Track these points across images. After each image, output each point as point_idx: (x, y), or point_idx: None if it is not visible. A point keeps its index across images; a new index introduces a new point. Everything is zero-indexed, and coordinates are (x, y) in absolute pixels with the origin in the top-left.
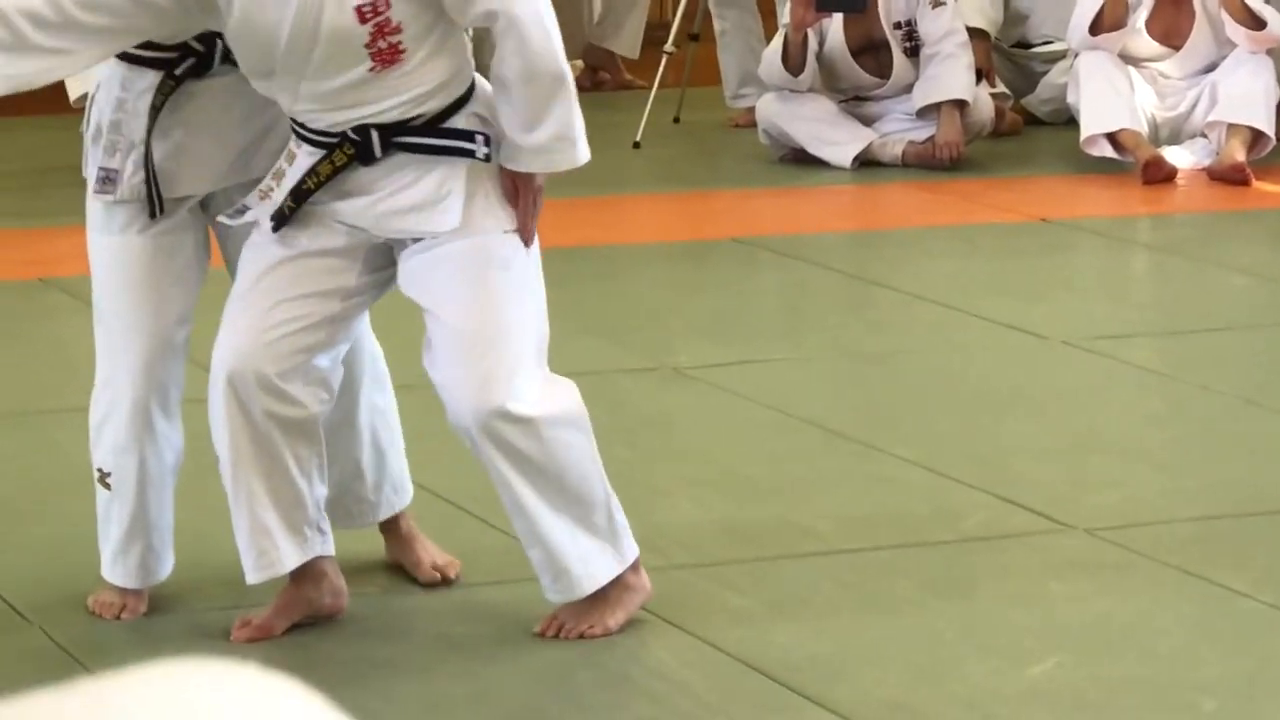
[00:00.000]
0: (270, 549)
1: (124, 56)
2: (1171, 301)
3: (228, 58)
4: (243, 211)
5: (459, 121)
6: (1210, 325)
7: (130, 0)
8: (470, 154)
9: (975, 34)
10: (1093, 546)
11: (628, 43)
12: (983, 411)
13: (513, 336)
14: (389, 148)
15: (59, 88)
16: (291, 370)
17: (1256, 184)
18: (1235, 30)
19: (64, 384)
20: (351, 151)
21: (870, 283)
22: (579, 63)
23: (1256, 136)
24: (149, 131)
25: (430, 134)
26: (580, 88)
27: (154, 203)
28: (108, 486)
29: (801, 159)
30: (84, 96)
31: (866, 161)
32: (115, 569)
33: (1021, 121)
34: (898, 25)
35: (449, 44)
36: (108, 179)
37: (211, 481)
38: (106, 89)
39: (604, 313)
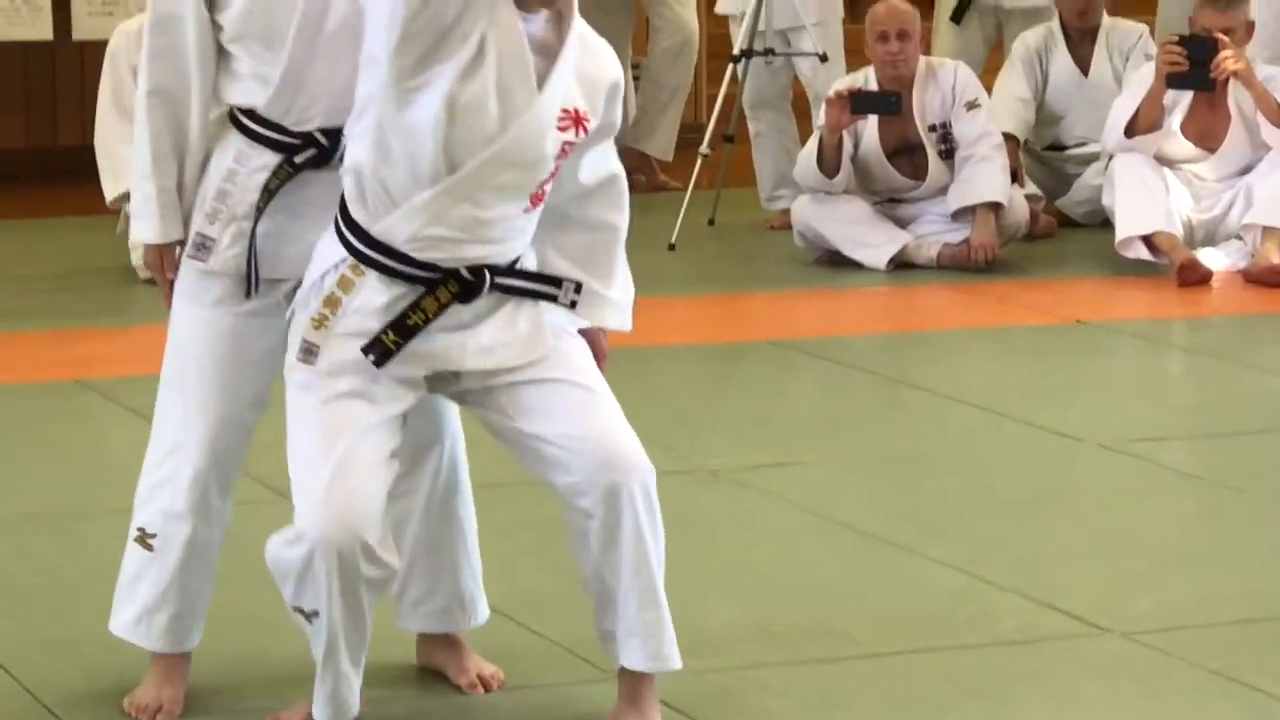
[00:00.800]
0: (348, 697)
1: (245, 130)
2: (1207, 404)
3: (343, 155)
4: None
5: (529, 262)
6: (1247, 428)
7: None
8: (554, 298)
9: (1005, 137)
10: (1130, 650)
11: (662, 145)
12: (1018, 514)
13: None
14: (492, 288)
15: (96, 188)
16: (384, 534)
17: None
18: (1271, 133)
19: (97, 487)
20: (456, 289)
21: (905, 384)
22: None
23: None
24: (259, 210)
25: (526, 277)
26: None
27: (251, 280)
28: (149, 547)
29: (837, 261)
30: (120, 196)
31: (902, 264)
32: (139, 628)
33: (1056, 223)
34: (932, 128)
35: None
36: (203, 245)
37: (249, 571)
38: (219, 156)
39: (639, 414)
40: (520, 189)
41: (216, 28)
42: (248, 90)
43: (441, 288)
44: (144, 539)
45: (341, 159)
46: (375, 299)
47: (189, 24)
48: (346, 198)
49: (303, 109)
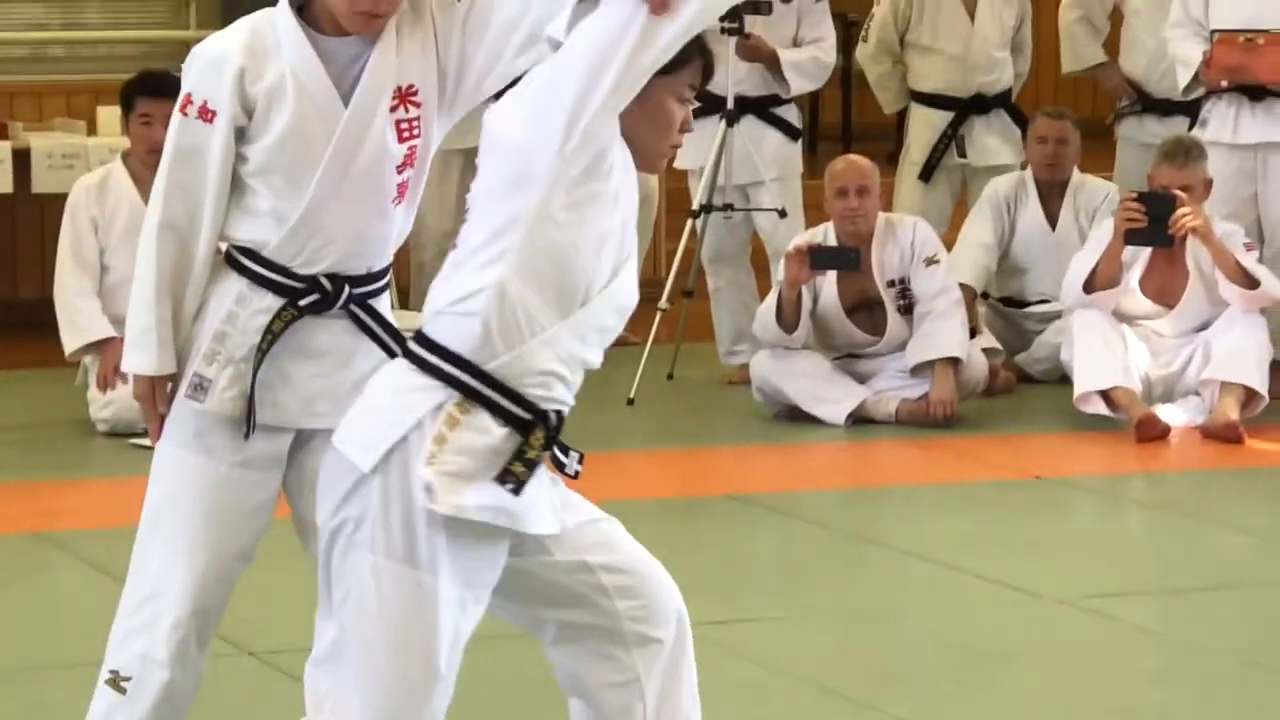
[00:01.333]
0: None
1: (246, 272)
2: (1166, 560)
3: (351, 299)
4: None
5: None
6: (1206, 584)
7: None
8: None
9: (963, 288)
10: None
11: None
12: (978, 670)
13: None
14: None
15: (56, 341)
16: None
17: (1250, 442)
18: (1229, 289)
19: (55, 641)
20: (545, 434)
21: (865, 540)
22: None
23: (1250, 395)
24: (260, 353)
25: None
26: None
27: (249, 424)
28: (121, 690)
29: (796, 416)
30: (81, 349)
31: (860, 419)
32: None
33: (1015, 379)
34: (891, 283)
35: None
36: (200, 386)
37: None
38: (218, 300)
39: None
40: (612, 335)
41: (240, 160)
42: (260, 227)
43: (535, 431)
44: (116, 681)
45: (344, 305)
46: (480, 439)
47: (213, 158)
48: (459, 331)
49: (314, 251)
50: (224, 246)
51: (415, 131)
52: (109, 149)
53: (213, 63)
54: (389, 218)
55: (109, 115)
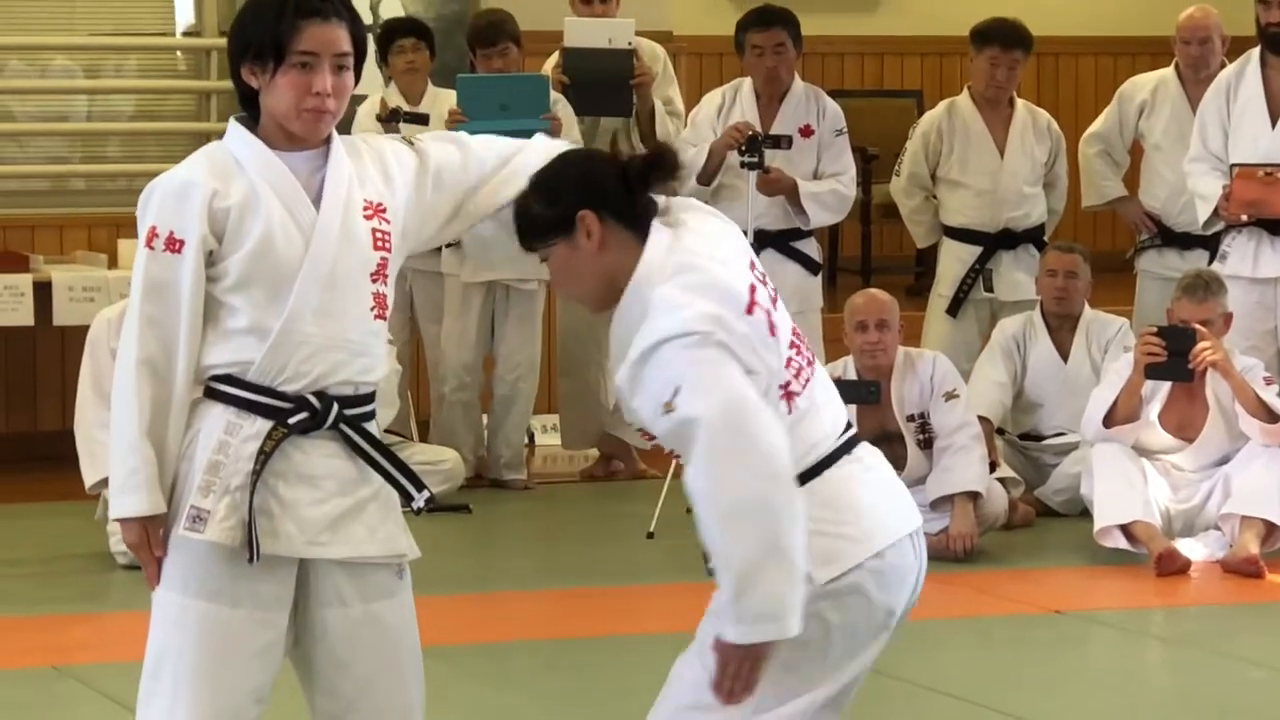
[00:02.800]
0: None
1: (233, 400)
2: (1186, 696)
3: (340, 420)
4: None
5: None
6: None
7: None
8: None
9: (981, 420)
10: None
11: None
12: None
13: None
14: None
15: (76, 474)
16: None
17: (1270, 577)
18: (1249, 423)
19: None
20: None
21: (884, 674)
22: (593, 452)
23: (1270, 529)
24: (255, 475)
25: None
26: (593, 477)
27: (252, 547)
28: None
29: None
30: (100, 482)
31: None
32: None
33: (1034, 513)
34: (911, 418)
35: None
36: (198, 518)
37: None
38: (207, 430)
39: (619, 705)
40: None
41: (213, 282)
42: (241, 348)
43: None
44: None
45: (334, 424)
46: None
47: (184, 290)
48: None
49: (299, 364)
50: (201, 388)
51: (388, 245)
52: (130, 282)
53: (175, 192)
54: (370, 328)
55: (129, 247)
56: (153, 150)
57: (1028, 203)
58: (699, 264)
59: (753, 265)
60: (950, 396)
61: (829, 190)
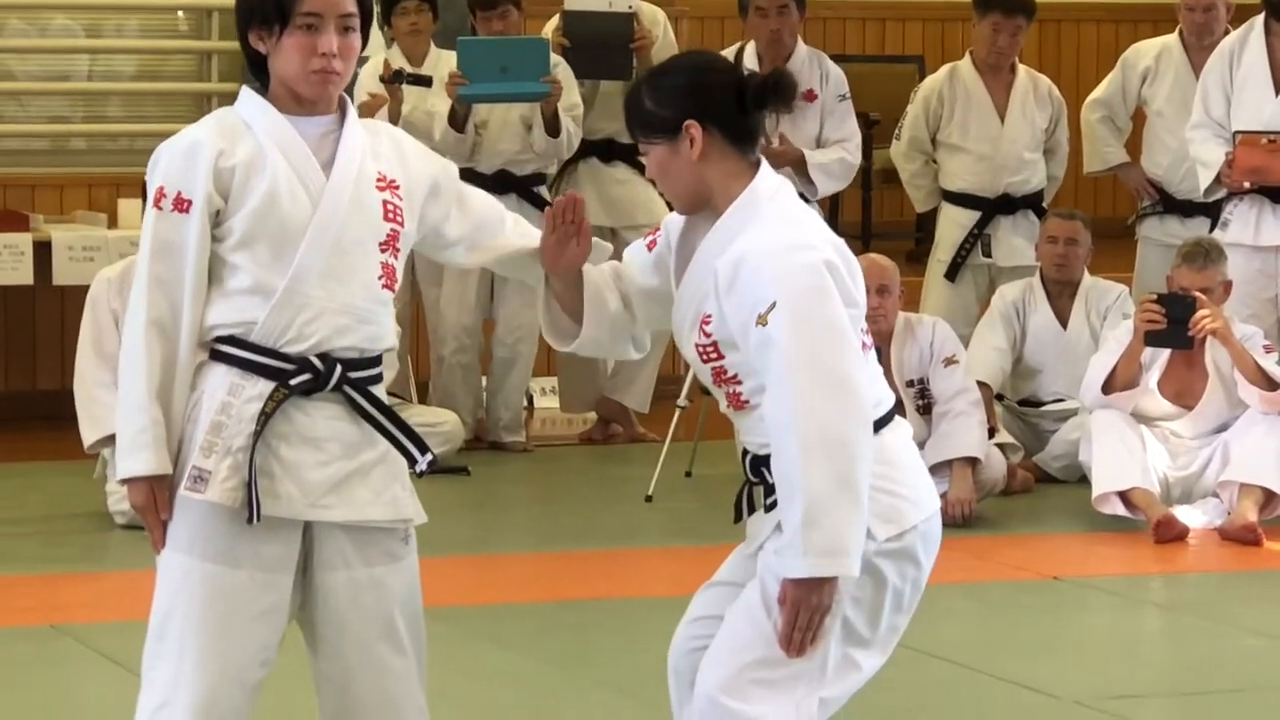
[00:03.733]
0: None
1: (236, 361)
2: (1184, 662)
3: (344, 381)
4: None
5: None
6: (1224, 687)
7: None
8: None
9: (980, 386)
10: None
11: (639, 396)
12: None
13: None
14: None
15: (75, 434)
16: None
17: (1268, 544)
18: (1248, 391)
19: None
20: None
21: None
22: (592, 415)
23: (1268, 497)
24: (255, 437)
25: None
26: (591, 440)
27: (252, 507)
28: None
29: None
30: (99, 441)
31: None
32: None
33: (1033, 479)
34: (910, 383)
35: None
36: (199, 478)
37: None
38: (210, 391)
39: (618, 667)
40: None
41: (218, 241)
42: (244, 307)
43: None
44: None
45: (337, 386)
46: None
47: (190, 248)
48: None
49: (303, 325)
50: (205, 350)
51: (399, 219)
52: (130, 241)
53: (183, 152)
54: (377, 297)
55: (130, 207)
56: (153, 110)
57: (1028, 168)
58: (804, 208)
59: None
60: (950, 362)
61: (836, 160)
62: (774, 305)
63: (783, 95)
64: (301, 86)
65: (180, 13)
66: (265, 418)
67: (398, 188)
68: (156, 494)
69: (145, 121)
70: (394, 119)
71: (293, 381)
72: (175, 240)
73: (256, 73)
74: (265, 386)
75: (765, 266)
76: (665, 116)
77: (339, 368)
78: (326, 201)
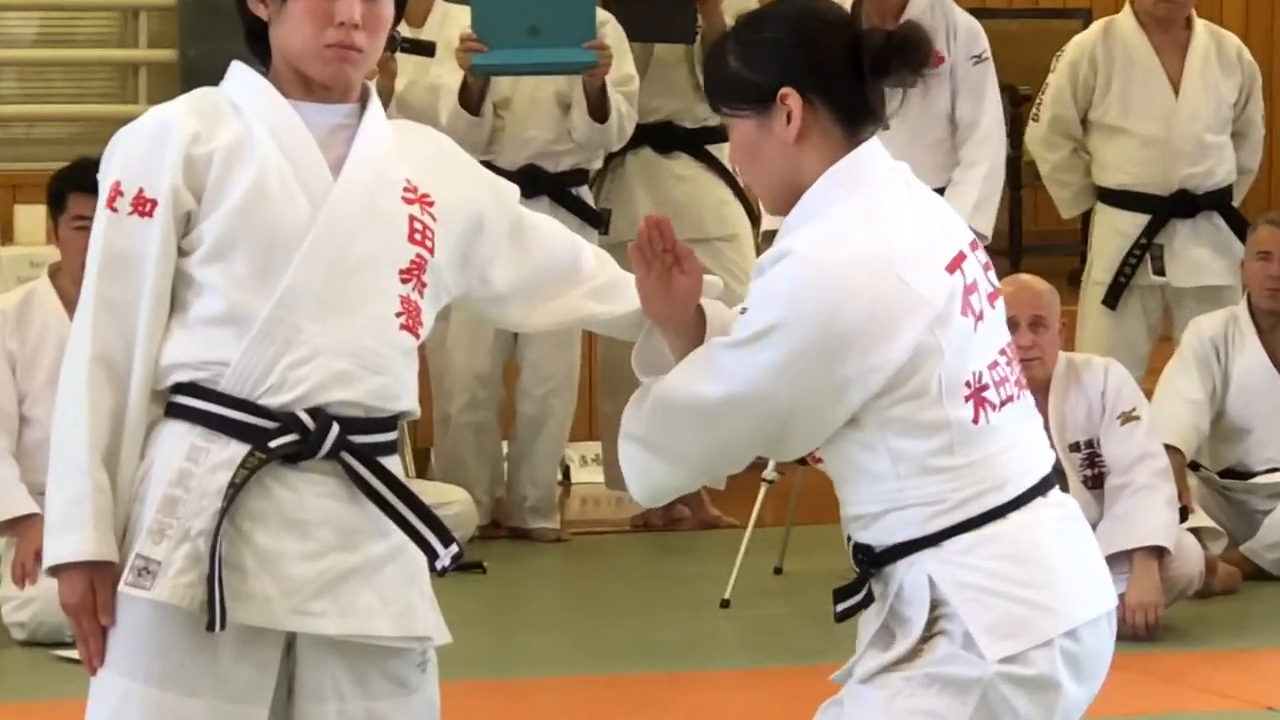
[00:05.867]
0: None
1: (199, 416)
2: None
3: (342, 445)
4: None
5: None
6: None
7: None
8: None
9: (1169, 452)
10: None
11: None
12: None
13: None
14: None
15: None
16: None
17: None
18: None
19: None
20: None
21: None
22: None
23: None
24: (221, 516)
25: None
26: (648, 526)
27: (216, 611)
28: None
29: None
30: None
31: None
32: None
33: (1239, 575)
34: (1075, 446)
35: None
36: (145, 570)
37: None
38: (164, 457)
39: None
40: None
41: (186, 253)
42: (213, 343)
43: None
44: None
45: (333, 453)
46: None
47: (150, 262)
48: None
49: (289, 368)
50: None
51: (428, 244)
52: (30, 261)
53: (147, 135)
54: (393, 340)
55: (30, 216)
56: (61, 86)
57: (1211, 156)
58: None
59: (972, 245)
60: (1128, 418)
61: (985, 197)
62: (773, 327)
63: (912, 58)
64: (311, 65)
65: None
66: (235, 491)
67: (431, 204)
68: (96, 589)
69: (49, 101)
70: (385, 97)
71: (273, 444)
72: (133, 251)
73: (253, 45)
74: (237, 450)
75: (767, 273)
76: (755, 81)
77: (336, 427)
78: (332, 204)
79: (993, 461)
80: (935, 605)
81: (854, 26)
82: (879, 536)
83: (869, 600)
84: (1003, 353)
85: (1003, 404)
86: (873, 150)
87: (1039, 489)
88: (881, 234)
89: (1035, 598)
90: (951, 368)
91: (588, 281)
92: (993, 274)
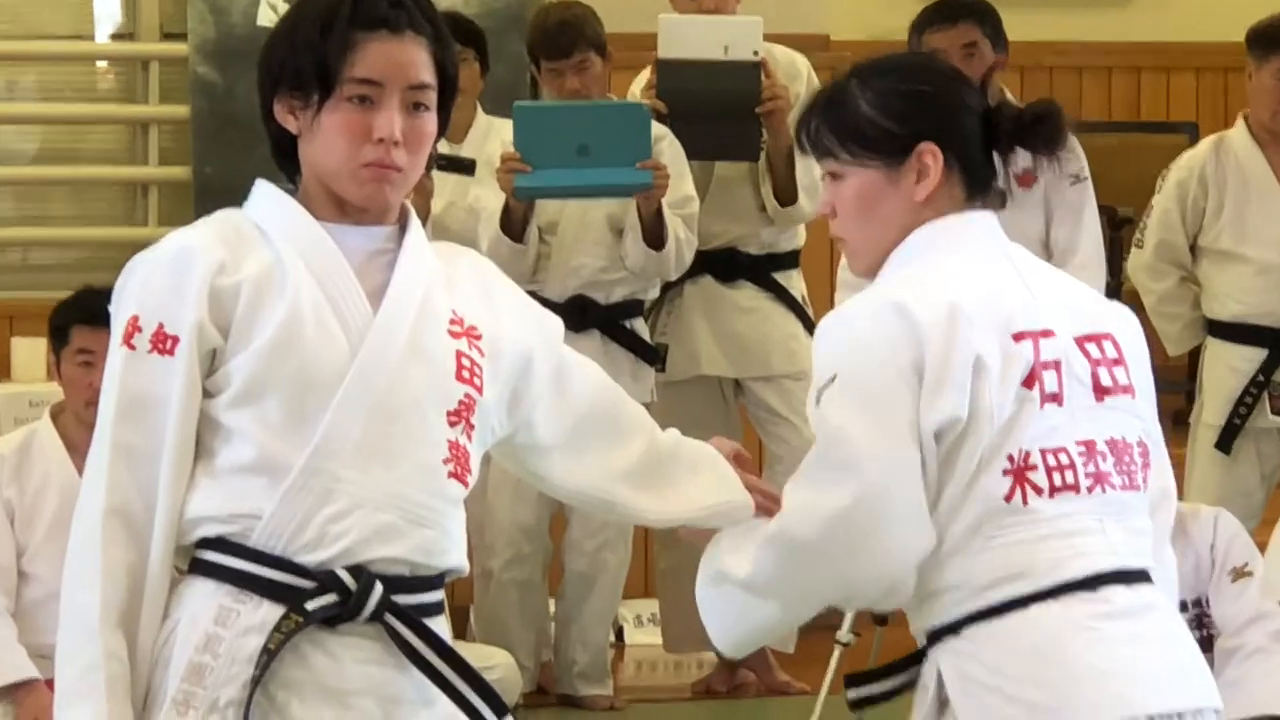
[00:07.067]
0: None
1: (229, 575)
2: None
3: (386, 607)
4: None
5: None
6: None
7: None
8: None
9: None
10: None
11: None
12: None
13: None
14: None
15: None
16: None
17: None
18: None
19: None
20: None
21: None
22: (710, 655)
23: None
24: (254, 686)
25: None
26: (711, 693)
27: None
28: None
29: None
30: None
31: None
32: None
33: None
34: (1182, 606)
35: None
36: None
37: None
38: (190, 620)
39: None
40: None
41: (212, 395)
42: (243, 493)
43: None
44: None
45: (376, 615)
46: None
47: (173, 406)
48: None
49: (327, 522)
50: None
51: (477, 383)
52: (29, 400)
53: (167, 265)
54: (440, 489)
55: (28, 350)
56: (63, 207)
57: None
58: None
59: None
60: (1240, 574)
61: None
62: (834, 379)
63: (1048, 137)
64: (346, 185)
65: (102, 64)
66: (268, 658)
67: (479, 337)
68: None
69: (49, 224)
70: (421, 217)
71: (311, 605)
72: (153, 393)
73: (280, 160)
74: (270, 612)
75: (826, 334)
76: (892, 131)
77: (379, 587)
78: (373, 341)
79: (1022, 548)
80: (942, 701)
81: (981, 96)
82: (920, 623)
83: (893, 692)
84: (1089, 446)
85: (1055, 490)
86: (986, 218)
87: (1083, 585)
88: (955, 284)
89: (1036, 697)
90: (995, 437)
91: (624, 450)
92: (1118, 370)
